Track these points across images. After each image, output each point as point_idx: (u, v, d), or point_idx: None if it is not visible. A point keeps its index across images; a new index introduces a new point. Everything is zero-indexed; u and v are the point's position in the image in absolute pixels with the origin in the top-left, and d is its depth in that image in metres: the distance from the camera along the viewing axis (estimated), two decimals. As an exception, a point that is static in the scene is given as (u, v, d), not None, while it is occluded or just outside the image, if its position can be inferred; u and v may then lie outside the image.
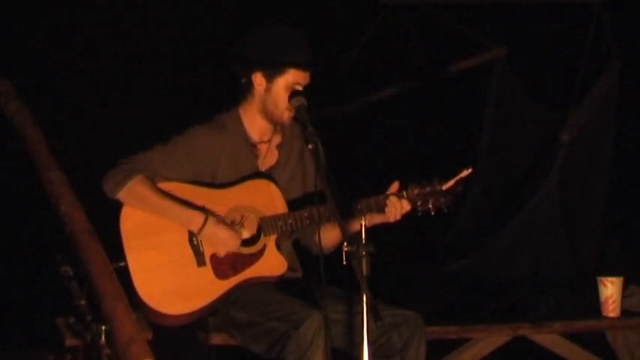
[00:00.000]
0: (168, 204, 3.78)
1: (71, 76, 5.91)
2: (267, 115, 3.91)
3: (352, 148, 6.60)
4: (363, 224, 3.32)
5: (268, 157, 3.99)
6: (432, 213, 3.89)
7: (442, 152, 6.55)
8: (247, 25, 4.24)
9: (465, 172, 3.88)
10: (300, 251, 4.10)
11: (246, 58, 3.90)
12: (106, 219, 3.64)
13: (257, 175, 3.94)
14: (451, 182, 3.89)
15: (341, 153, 6.00)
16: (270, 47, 3.86)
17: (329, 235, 3.94)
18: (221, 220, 3.80)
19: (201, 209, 3.80)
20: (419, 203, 3.87)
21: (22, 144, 3.11)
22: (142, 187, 3.78)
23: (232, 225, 3.82)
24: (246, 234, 3.84)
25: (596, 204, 6.17)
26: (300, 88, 3.85)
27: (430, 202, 3.87)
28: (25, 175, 3.39)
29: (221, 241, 3.78)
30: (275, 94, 3.87)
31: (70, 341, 3.78)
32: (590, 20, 6.09)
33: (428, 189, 3.88)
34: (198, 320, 3.83)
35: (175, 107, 5.96)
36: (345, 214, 3.68)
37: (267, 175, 3.95)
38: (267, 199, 3.88)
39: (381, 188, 3.93)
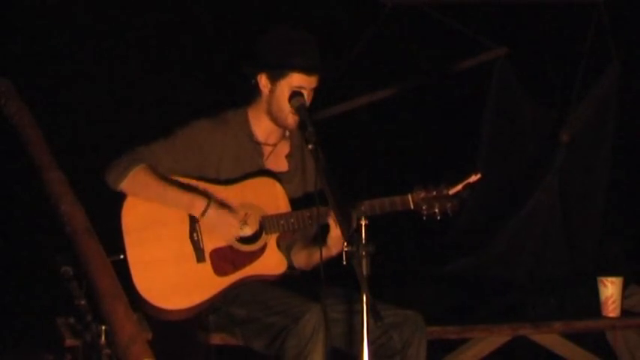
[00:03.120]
0: (170, 190, 3.79)
1: (71, 76, 5.91)
2: (273, 117, 3.91)
3: (352, 148, 6.60)
4: (364, 224, 3.32)
5: (273, 161, 3.98)
6: (438, 217, 3.87)
7: (442, 152, 6.55)
8: (247, 24, 4.25)
9: (474, 177, 3.85)
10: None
11: (253, 60, 3.91)
12: (106, 218, 3.64)
13: (262, 173, 3.93)
14: (459, 187, 3.86)
15: (341, 153, 6.01)
16: (276, 50, 3.86)
17: (300, 256, 3.95)
18: (223, 205, 3.80)
19: (204, 194, 3.80)
20: (424, 207, 3.84)
21: (22, 144, 3.11)
22: (145, 175, 3.79)
23: (234, 213, 3.81)
24: (248, 231, 3.84)
25: (596, 204, 6.17)
26: (305, 91, 3.84)
27: (436, 206, 3.84)
28: (25, 175, 3.39)
29: (223, 226, 3.78)
30: (279, 96, 3.87)
31: (70, 341, 3.77)
32: (590, 20, 6.09)
33: (434, 193, 3.85)
34: (196, 317, 3.84)
35: (177, 107, 5.96)
36: (345, 215, 3.67)
37: (272, 174, 3.94)
38: (270, 197, 3.88)
39: (381, 188, 3.92)
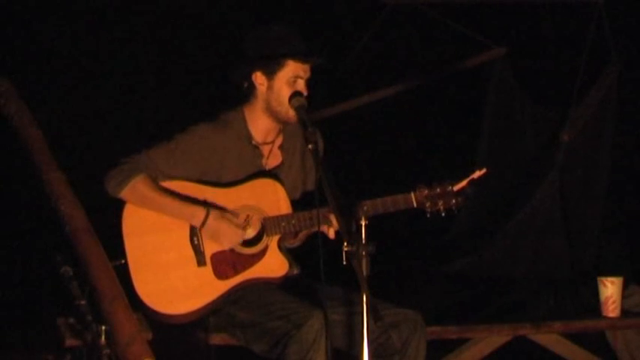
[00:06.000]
0: (169, 201, 3.79)
1: (72, 76, 5.91)
2: (273, 113, 3.89)
3: (352, 148, 6.60)
4: (364, 224, 3.31)
5: (272, 158, 3.98)
6: (443, 214, 3.85)
7: (442, 152, 6.55)
8: (247, 25, 4.25)
9: (478, 173, 3.81)
10: (300, 251, 4.09)
11: (244, 61, 3.90)
12: (106, 219, 3.64)
13: (263, 174, 3.92)
14: (463, 183, 3.83)
15: (341, 153, 6.02)
16: (267, 44, 3.86)
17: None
18: (223, 213, 3.80)
19: (203, 204, 3.80)
20: (427, 205, 3.81)
21: (22, 144, 3.11)
22: (144, 186, 3.78)
23: (234, 218, 3.82)
24: (250, 234, 3.84)
25: (595, 204, 6.17)
26: (302, 80, 3.84)
27: (440, 203, 3.80)
28: (25, 175, 3.39)
29: (224, 235, 3.78)
30: (277, 90, 3.85)
31: (70, 341, 3.78)
32: (590, 20, 6.09)
33: (438, 190, 3.81)
34: (197, 320, 3.83)
35: (177, 108, 5.96)
36: (345, 214, 3.67)
37: (273, 175, 3.93)
38: (271, 199, 3.87)
39: (382, 188, 3.92)
